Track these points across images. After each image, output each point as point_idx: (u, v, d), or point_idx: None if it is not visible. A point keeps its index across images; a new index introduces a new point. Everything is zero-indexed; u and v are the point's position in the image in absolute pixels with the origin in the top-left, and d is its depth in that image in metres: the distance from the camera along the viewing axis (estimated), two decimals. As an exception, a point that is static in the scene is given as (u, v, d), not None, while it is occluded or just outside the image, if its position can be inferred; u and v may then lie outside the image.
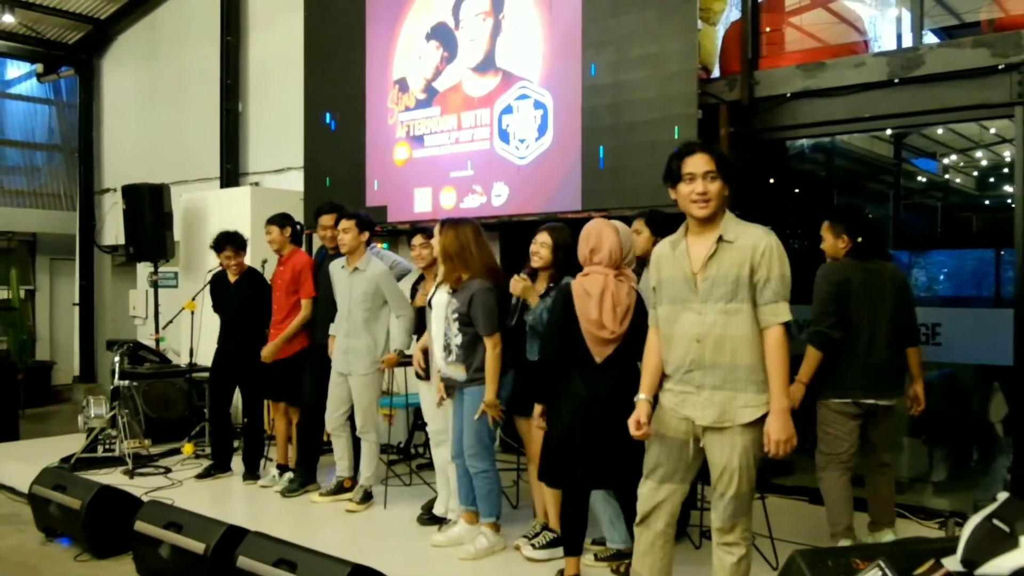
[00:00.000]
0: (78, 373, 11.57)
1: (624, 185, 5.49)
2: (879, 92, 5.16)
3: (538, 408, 3.97)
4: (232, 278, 5.91)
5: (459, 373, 4.32)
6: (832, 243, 4.21)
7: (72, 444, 7.08)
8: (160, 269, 9.60)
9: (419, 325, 5.08)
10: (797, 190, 7.16)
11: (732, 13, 6.16)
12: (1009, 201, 11.07)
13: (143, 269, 10.31)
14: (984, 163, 10.40)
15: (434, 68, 6.60)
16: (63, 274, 12.37)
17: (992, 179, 10.64)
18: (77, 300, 11.51)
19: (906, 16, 5.38)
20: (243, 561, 3.92)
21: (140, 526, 4.51)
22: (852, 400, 4.11)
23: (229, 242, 5.78)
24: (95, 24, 10.96)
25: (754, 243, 2.93)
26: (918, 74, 4.96)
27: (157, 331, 8.16)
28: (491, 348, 4.20)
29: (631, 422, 3.09)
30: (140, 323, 10.40)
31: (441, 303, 4.51)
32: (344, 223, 5.08)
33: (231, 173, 9.23)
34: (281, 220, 5.77)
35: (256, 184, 9.08)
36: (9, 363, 8.20)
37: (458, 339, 4.29)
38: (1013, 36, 4.65)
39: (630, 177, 5.46)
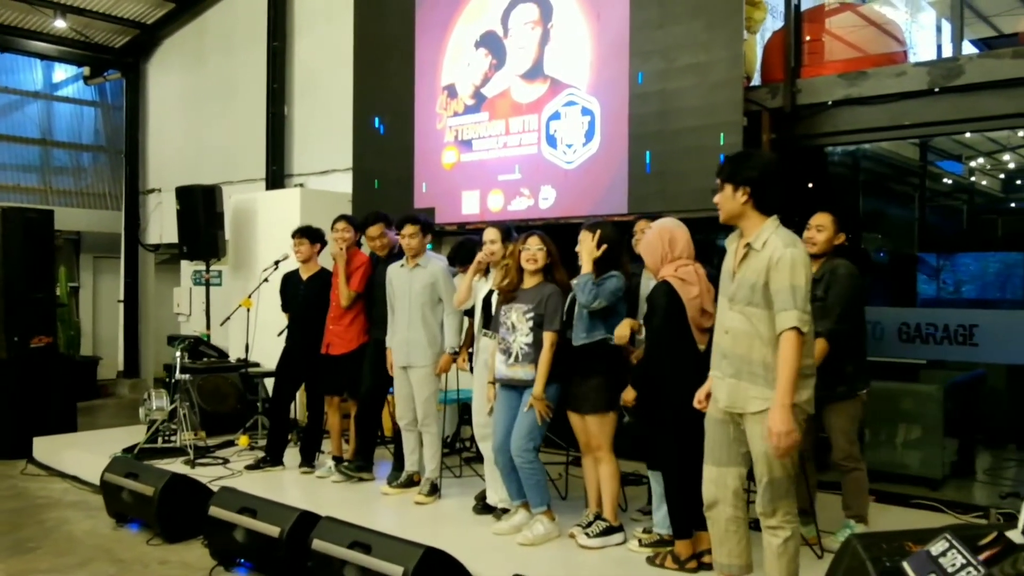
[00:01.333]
0: (122, 368, 11.91)
1: (670, 189, 5.69)
2: (919, 101, 5.32)
3: (631, 394, 4.15)
4: (304, 275, 6.16)
5: (528, 372, 4.50)
6: (830, 236, 4.33)
7: (126, 435, 7.39)
8: (203, 268, 9.91)
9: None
10: (824, 192, 7.27)
11: (770, 23, 6.38)
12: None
13: (187, 267, 10.64)
14: (1011, 166, 10.50)
15: (483, 75, 6.83)
16: (105, 272, 12.73)
17: (1019, 182, 10.74)
18: (122, 297, 11.84)
19: (946, 27, 5.56)
20: (318, 544, 4.16)
21: (214, 511, 4.76)
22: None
23: (302, 231, 6.14)
24: (142, 28, 11.28)
25: (771, 252, 3.19)
26: (958, 83, 5.13)
27: (209, 327, 8.45)
28: (549, 344, 4.43)
29: (698, 394, 3.48)
30: (184, 320, 10.72)
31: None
32: (410, 228, 5.33)
33: (276, 175, 9.50)
34: (354, 222, 6.05)
35: (301, 185, 9.34)
36: (65, 358, 8.51)
37: (528, 339, 4.48)
38: (1051, 48, 4.82)
39: (676, 181, 5.67)
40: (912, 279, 8.63)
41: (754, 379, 3.20)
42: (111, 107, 12.70)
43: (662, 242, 4.01)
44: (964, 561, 1.90)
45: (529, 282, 4.59)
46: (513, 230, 5.07)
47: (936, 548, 2.03)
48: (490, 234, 4.98)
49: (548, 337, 4.44)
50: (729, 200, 3.31)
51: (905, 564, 2.08)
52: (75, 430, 8.02)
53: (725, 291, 3.35)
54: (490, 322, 4.92)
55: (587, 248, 4.33)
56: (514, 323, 4.55)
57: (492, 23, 6.78)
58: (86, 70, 12.27)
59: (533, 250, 4.55)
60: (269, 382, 7.55)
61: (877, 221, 8.88)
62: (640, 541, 4.40)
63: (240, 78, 10.27)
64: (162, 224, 11.54)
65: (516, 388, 4.61)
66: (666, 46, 5.74)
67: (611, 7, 6.01)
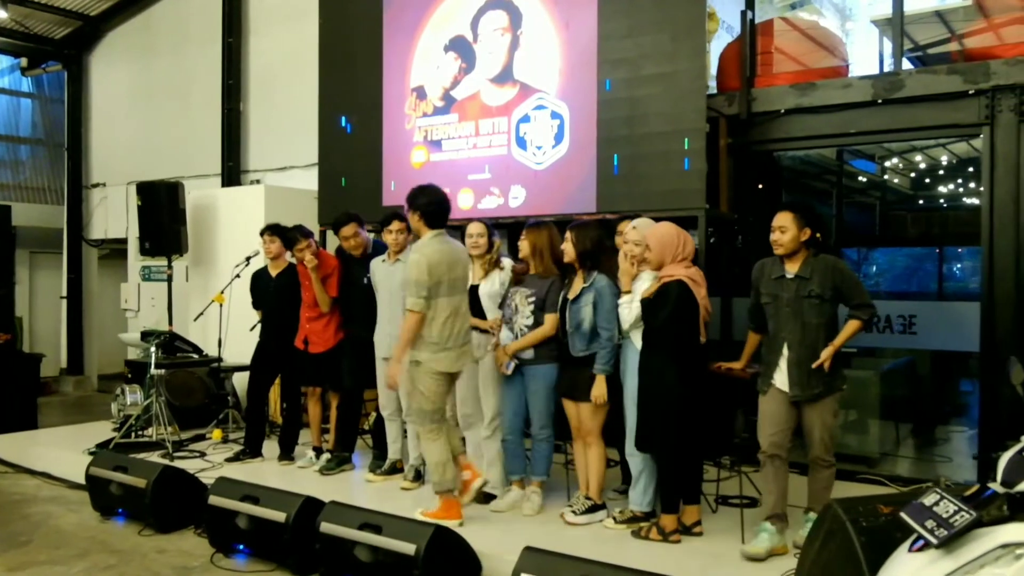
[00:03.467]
0: (65, 365, 11.72)
1: (638, 190, 6.06)
2: (864, 111, 5.83)
3: None
4: (273, 272, 6.32)
5: (527, 352, 4.93)
6: (795, 234, 4.32)
7: (88, 431, 7.46)
8: (154, 264, 9.92)
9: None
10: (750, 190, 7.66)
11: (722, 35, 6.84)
12: (942, 201, 11.98)
13: (134, 263, 10.59)
14: (922, 166, 11.28)
15: (452, 78, 7.08)
16: (43, 267, 12.47)
17: (928, 180, 11.54)
18: (65, 293, 11.66)
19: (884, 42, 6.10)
20: (327, 527, 4.38)
21: (214, 499, 4.92)
22: None
23: (272, 229, 6.31)
24: (85, 20, 11.14)
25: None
26: (899, 96, 5.65)
27: (171, 323, 8.48)
28: (550, 323, 4.86)
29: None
30: (132, 315, 10.66)
31: (490, 292, 5.15)
32: (396, 224, 5.57)
33: (233, 171, 9.56)
34: (306, 233, 6.22)
35: (257, 182, 9.43)
36: (25, 355, 8.42)
37: (530, 320, 4.90)
38: (982, 65, 5.37)
39: (643, 183, 6.04)
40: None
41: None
42: (49, 99, 12.45)
43: (680, 240, 4.38)
44: (956, 508, 2.29)
45: (536, 269, 5.01)
46: (494, 227, 5.42)
47: (928, 500, 2.42)
48: (476, 228, 5.28)
49: (550, 319, 4.86)
50: (412, 221, 4.80)
51: (903, 514, 2.46)
52: (36, 427, 7.97)
53: None
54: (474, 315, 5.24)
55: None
56: (517, 305, 4.96)
57: (462, 28, 7.04)
58: (23, 61, 12.00)
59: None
60: (236, 376, 7.69)
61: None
62: (615, 519, 4.76)
63: (192, 73, 10.26)
64: (107, 219, 11.43)
65: (519, 366, 4.98)
66: (633, 56, 6.10)
67: (580, 17, 6.34)
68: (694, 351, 4.30)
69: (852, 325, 4.26)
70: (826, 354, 4.21)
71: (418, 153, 7.29)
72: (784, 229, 4.35)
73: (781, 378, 4.35)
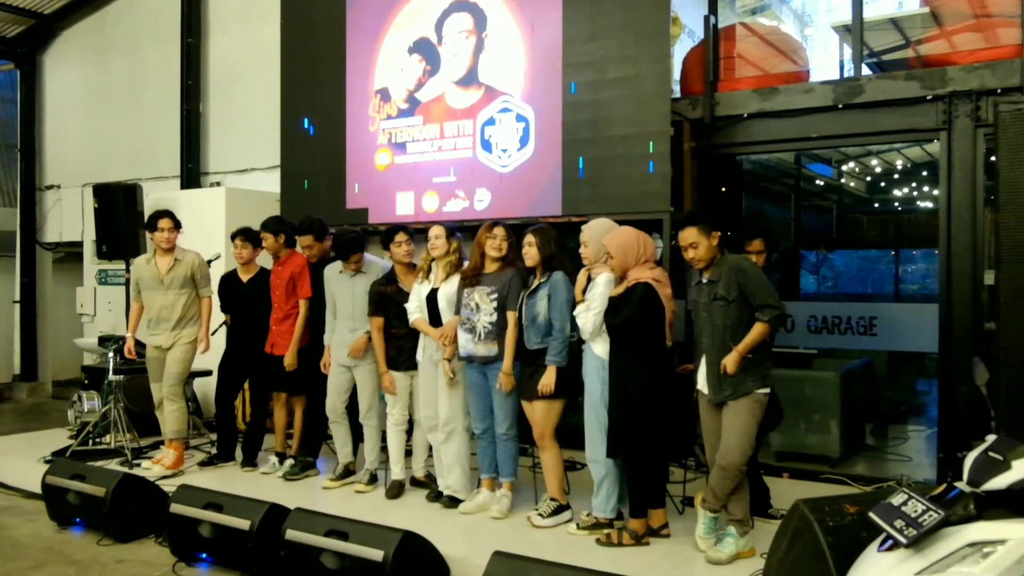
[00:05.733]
0: (19, 372, 11.43)
1: (603, 192, 6.08)
2: (824, 115, 5.91)
3: None
4: (244, 276, 6.22)
5: (491, 349, 4.89)
6: (707, 244, 4.27)
7: (42, 440, 7.27)
8: (111, 267, 9.72)
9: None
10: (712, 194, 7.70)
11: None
12: (897, 205, 12.23)
13: (90, 266, 10.37)
14: (878, 170, 11.50)
15: (416, 80, 7.04)
16: (-8, 271, 12.16)
17: (883, 184, 11.77)
18: (18, 297, 11.37)
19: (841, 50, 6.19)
20: (292, 534, 4.31)
21: (176, 508, 4.82)
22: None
23: (245, 234, 6.19)
24: (38, 19, 10.88)
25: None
26: (859, 101, 5.74)
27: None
28: (512, 323, 4.82)
29: None
30: (88, 320, 10.43)
31: (448, 294, 5.13)
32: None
33: (192, 173, 9.41)
34: (275, 227, 6.12)
35: (217, 184, 9.29)
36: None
37: (492, 318, 4.86)
38: (940, 72, 5.48)
39: (608, 185, 6.06)
40: (796, 274, 9.39)
41: None
42: (1, 99, 12.13)
43: (639, 243, 4.38)
44: (924, 507, 2.33)
45: (491, 267, 4.96)
46: (456, 229, 5.39)
47: (897, 500, 2.45)
48: (436, 230, 5.26)
49: (511, 316, 4.83)
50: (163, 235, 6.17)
51: (872, 514, 2.49)
52: (-15, 435, 7.76)
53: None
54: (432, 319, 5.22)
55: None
56: (478, 303, 4.91)
57: (426, 30, 7.00)
58: (-28, 60, 11.70)
59: (499, 239, 4.93)
60: (197, 382, 7.57)
61: (757, 220, 9.48)
62: (578, 524, 4.74)
63: (149, 74, 10.08)
64: (61, 222, 11.18)
65: (481, 366, 4.96)
66: (598, 59, 6.12)
67: (544, 21, 6.34)
68: (661, 353, 4.32)
69: (756, 328, 4.14)
70: (728, 359, 4.14)
71: (382, 156, 7.24)
72: (696, 244, 4.29)
73: (702, 382, 4.36)
